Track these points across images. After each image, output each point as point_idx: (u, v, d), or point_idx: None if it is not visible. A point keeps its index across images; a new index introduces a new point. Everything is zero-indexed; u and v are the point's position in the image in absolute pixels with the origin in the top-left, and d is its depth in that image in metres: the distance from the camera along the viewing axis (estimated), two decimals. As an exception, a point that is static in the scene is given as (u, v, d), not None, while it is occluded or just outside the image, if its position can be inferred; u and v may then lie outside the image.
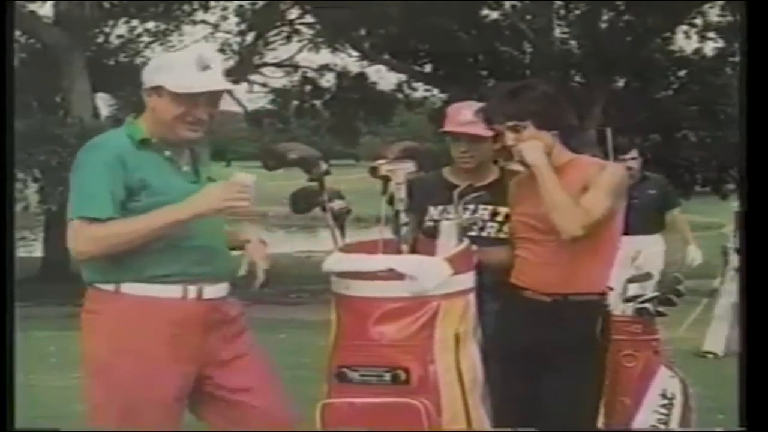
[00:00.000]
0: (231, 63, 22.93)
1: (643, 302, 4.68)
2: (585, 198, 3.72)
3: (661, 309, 4.74)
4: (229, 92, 3.74)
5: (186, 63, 3.53)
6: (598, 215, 3.71)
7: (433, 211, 4.03)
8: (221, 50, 23.11)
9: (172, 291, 3.51)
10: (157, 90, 3.53)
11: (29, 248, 23.35)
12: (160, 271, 3.49)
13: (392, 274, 3.47)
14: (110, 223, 3.43)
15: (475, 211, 4.07)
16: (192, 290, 3.53)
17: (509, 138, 3.79)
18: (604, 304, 3.88)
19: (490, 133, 4.03)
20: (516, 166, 4.04)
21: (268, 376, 3.72)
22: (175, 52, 4.06)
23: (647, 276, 4.84)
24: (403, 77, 23.51)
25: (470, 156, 4.12)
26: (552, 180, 3.71)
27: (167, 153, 3.56)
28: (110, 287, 3.50)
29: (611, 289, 3.97)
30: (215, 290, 3.58)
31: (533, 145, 3.74)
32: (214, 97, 3.56)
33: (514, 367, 3.85)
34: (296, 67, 24.35)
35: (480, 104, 4.09)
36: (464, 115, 4.10)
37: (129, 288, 3.49)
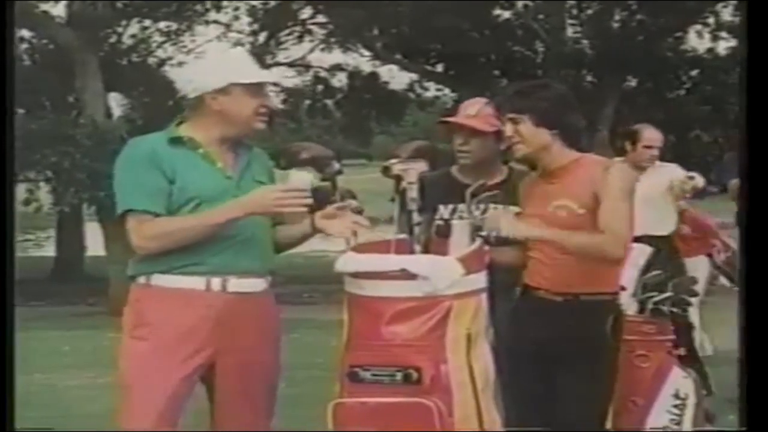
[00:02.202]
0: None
1: (656, 303, 4.67)
2: (606, 215, 3.70)
3: (674, 310, 4.72)
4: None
5: (247, 58, 3.70)
6: (628, 227, 3.73)
7: (443, 210, 4.03)
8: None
9: (196, 283, 3.56)
10: (226, 90, 3.60)
11: (42, 248, 23.44)
12: (184, 261, 3.56)
13: (404, 274, 3.46)
14: (165, 220, 3.54)
15: (485, 211, 4.06)
16: (216, 282, 3.57)
17: (507, 129, 3.82)
18: (615, 304, 3.89)
19: (488, 128, 4.03)
20: (523, 167, 4.06)
21: (266, 397, 3.76)
22: (230, 50, 4.22)
23: (660, 276, 4.82)
24: (414, 77, 23.50)
25: (468, 150, 4.11)
26: (559, 235, 3.72)
27: (201, 151, 3.63)
28: (143, 279, 3.62)
29: (624, 288, 3.97)
30: (243, 284, 3.61)
31: (498, 217, 3.71)
32: (268, 89, 3.73)
33: (526, 367, 3.85)
34: (308, 66, 24.37)
35: (484, 101, 4.16)
36: (470, 109, 4.14)
37: (158, 279, 3.59)
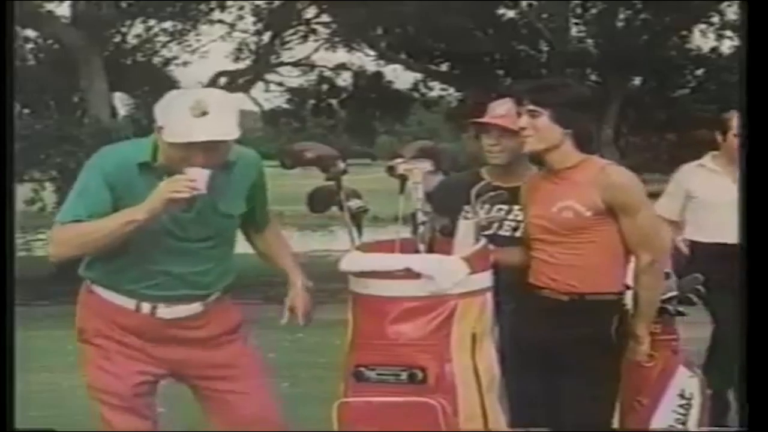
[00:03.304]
0: (247, 62, 23.01)
1: (662, 302, 4.65)
2: (644, 234, 3.81)
3: (680, 309, 4.72)
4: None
5: (181, 108, 3.38)
6: (664, 232, 3.95)
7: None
8: (238, 49, 23.20)
9: (126, 302, 3.62)
10: (160, 130, 3.47)
11: (47, 248, 23.46)
12: (119, 284, 3.61)
13: (409, 274, 3.46)
14: (74, 226, 3.51)
15: (503, 210, 4.06)
16: (146, 306, 3.62)
17: (523, 121, 3.83)
18: (621, 304, 3.88)
19: (518, 128, 4.05)
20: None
21: (260, 382, 3.78)
22: (179, 94, 3.66)
23: (666, 276, 4.81)
24: (419, 76, 23.50)
25: (499, 150, 4.13)
26: (652, 305, 3.98)
27: (165, 177, 3.50)
28: (88, 283, 3.69)
29: (629, 287, 3.96)
30: (170, 311, 3.63)
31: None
32: (213, 144, 3.40)
33: (530, 366, 3.84)
34: (313, 66, 24.38)
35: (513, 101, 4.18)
36: (498, 109, 4.16)
37: (97, 289, 3.66)
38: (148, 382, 3.65)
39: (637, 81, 22.21)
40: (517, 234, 4.07)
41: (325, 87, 24.50)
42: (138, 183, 3.50)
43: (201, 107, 3.36)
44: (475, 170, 4.22)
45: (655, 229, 3.93)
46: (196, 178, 3.40)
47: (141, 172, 3.52)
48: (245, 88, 22.52)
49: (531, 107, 3.81)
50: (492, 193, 3.88)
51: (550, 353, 3.81)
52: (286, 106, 25.22)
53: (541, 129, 3.80)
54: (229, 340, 3.74)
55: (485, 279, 3.60)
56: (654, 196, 5.43)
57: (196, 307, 3.66)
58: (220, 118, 3.38)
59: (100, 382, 3.63)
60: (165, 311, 3.62)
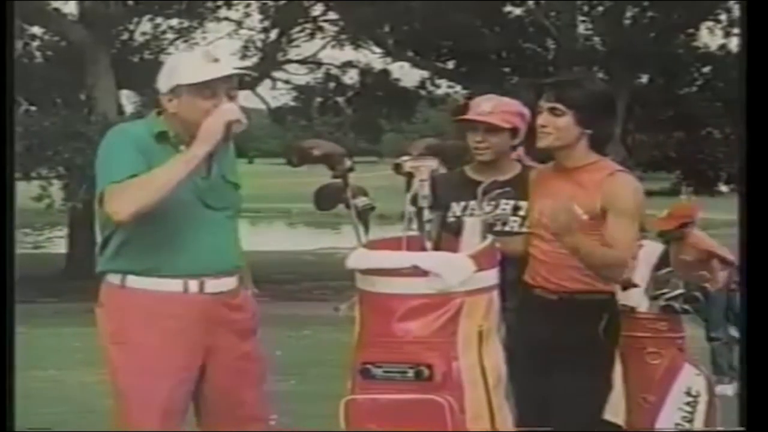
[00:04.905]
0: (254, 60, 23.05)
1: (668, 299, 4.66)
2: (614, 234, 3.71)
3: (686, 306, 4.72)
4: (245, 78, 3.73)
5: (194, 58, 3.60)
6: (632, 246, 3.79)
7: (456, 207, 4.04)
8: (245, 47, 23.24)
9: (173, 285, 3.54)
10: (175, 91, 3.53)
11: (54, 245, 23.51)
12: (161, 267, 3.53)
13: (416, 271, 3.46)
14: (132, 180, 3.44)
15: (497, 207, 4.06)
16: (193, 284, 3.55)
17: (542, 118, 3.80)
18: (611, 304, 3.88)
19: (506, 125, 4.05)
20: (535, 163, 4.06)
21: (262, 389, 3.74)
22: (180, 53, 4.03)
23: (672, 273, 4.81)
24: (426, 74, 23.54)
25: (486, 147, 4.11)
26: (589, 245, 3.68)
27: (182, 148, 3.56)
28: (117, 280, 3.57)
29: (636, 285, 3.96)
30: (219, 284, 3.59)
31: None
32: (230, 86, 3.56)
33: (525, 365, 3.85)
34: (319, 64, 24.44)
35: (498, 97, 4.18)
36: (484, 107, 4.13)
37: (133, 282, 3.55)
38: (187, 382, 3.57)
39: (644, 78, 22.22)
40: (506, 228, 4.07)
41: (331, 85, 24.55)
42: (157, 152, 3.52)
43: (211, 55, 3.55)
44: (460, 168, 4.20)
45: (622, 242, 3.75)
46: (229, 107, 3.50)
47: (159, 142, 3.56)
48: (252, 86, 22.58)
49: (554, 105, 3.78)
50: (499, 190, 3.88)
51: (544, 352, 3.82)
52: (292, 103, 25.26)
53: (562, 128, 3.77)
54: (254, 328, 3.73)
55: (492, 276, 3.60)
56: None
57: (233, 281, 3.65)
58: (229, 60, 3.67)
59: (135, 386, 3.52)
60: (212, 284, 3.56)
